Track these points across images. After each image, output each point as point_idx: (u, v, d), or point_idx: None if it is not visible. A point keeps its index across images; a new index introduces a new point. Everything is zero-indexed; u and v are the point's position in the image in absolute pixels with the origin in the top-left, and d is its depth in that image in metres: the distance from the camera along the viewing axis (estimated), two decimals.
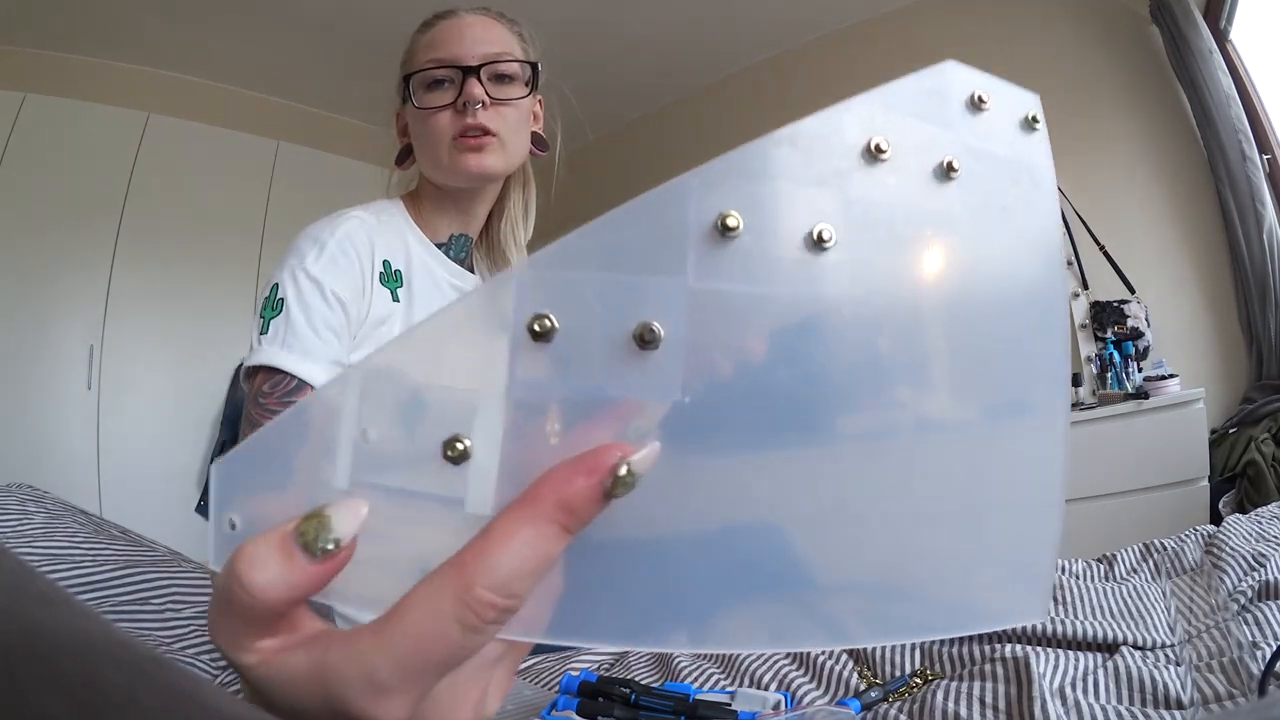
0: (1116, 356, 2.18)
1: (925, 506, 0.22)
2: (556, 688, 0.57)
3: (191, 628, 0.69)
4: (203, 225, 2.68)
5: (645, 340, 0.18)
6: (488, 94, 0.76)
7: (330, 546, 0.18)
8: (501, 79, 0.78)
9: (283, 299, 0.70)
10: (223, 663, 0.67)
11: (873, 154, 0.21)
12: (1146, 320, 2.24)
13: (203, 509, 2.57)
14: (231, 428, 2.60)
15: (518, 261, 0.81)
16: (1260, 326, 2.10)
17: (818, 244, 0.20)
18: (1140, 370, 2.17)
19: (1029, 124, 0.26)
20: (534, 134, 0.86)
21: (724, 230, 0.19)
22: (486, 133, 0.76)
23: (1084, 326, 2.32)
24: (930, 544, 0.22)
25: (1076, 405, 2.15)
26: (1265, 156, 2.14)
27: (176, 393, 2.58)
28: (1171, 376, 2.00)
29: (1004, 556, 0.22)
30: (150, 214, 2.55)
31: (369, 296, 0.74)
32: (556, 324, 0.18)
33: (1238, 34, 2.27)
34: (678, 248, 0.19)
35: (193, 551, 1.02)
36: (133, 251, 2.51)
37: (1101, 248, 2.36)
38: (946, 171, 0.22)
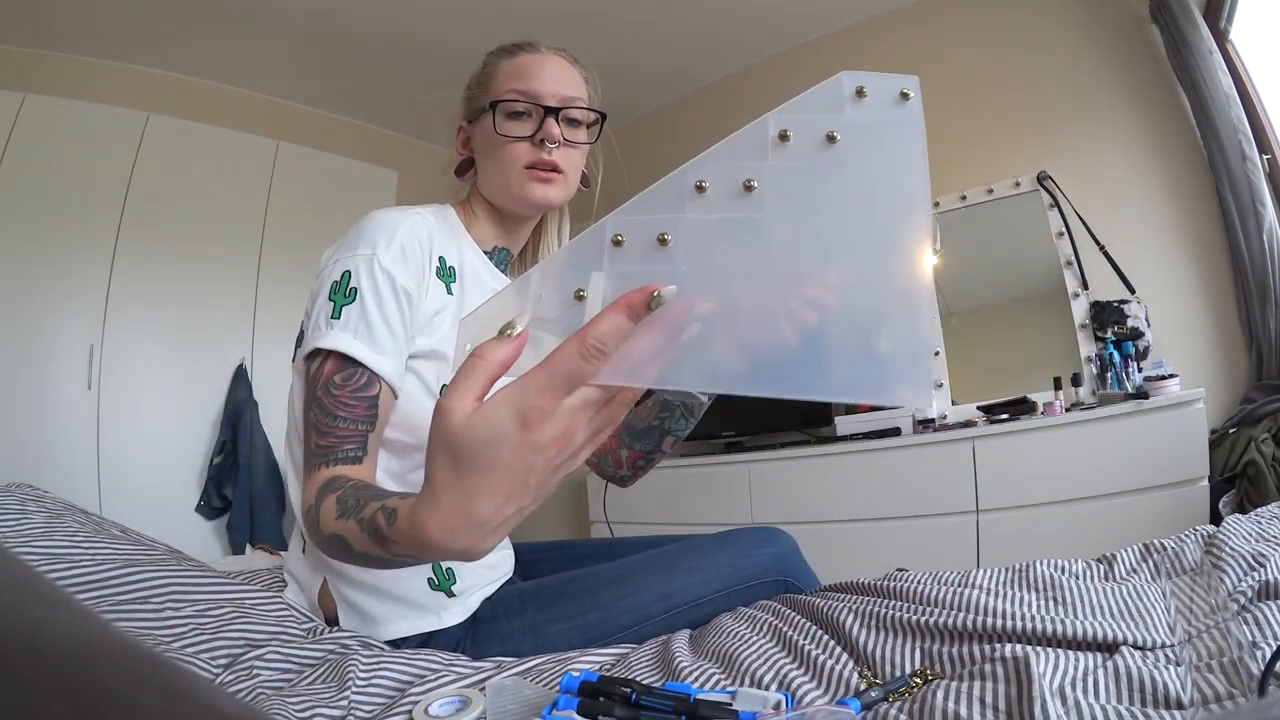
0: (1116, 356, 2.18)
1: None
2: (557, 687, 0.57)
3: (191, 626, 0.69)
4: (203, 225, 2.68)
5: (663, 241, 0.39)
6: (563, 135, 0.84)
7: (513, 332, 0.38)
8: (574, 122, 0.86)
9: (356, 288, 0.72)
10: (223, 660, 0.67)
11: (782, 139, 0.39)
12: (1146, 320, 2.24)
13: (202, 508, 2.57)
14: (231, 428, 2.60)
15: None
16: (1260, 326, 2.10)
17: (748, 191, 0.39)
18: (1140, 370, 2.17)
19: (902, 99, 0.40)
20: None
21: (699, 189, 0.39)
22: (555, 169, 0.84)
23: (1084, 326, 2.32)
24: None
25: (1076, 405, 2.15)
26: (1265, 156, 2.14)
27: (176, 393, 2.58)
28: (1171, 376, 2.00)
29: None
30: (150, 214, 2.55)
31: (428, 287, 0.79)
32: (623, 238, 0.39)
33: (1238, 34, 2.27)
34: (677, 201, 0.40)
35: (192, 550, 1.02)
36: (133, 251, 2.51)
37: (1101, 248, 2.36)
38: (829, 139, 0.39)
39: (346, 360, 0.71)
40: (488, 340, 0.38)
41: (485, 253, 0.89)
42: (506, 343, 0.38)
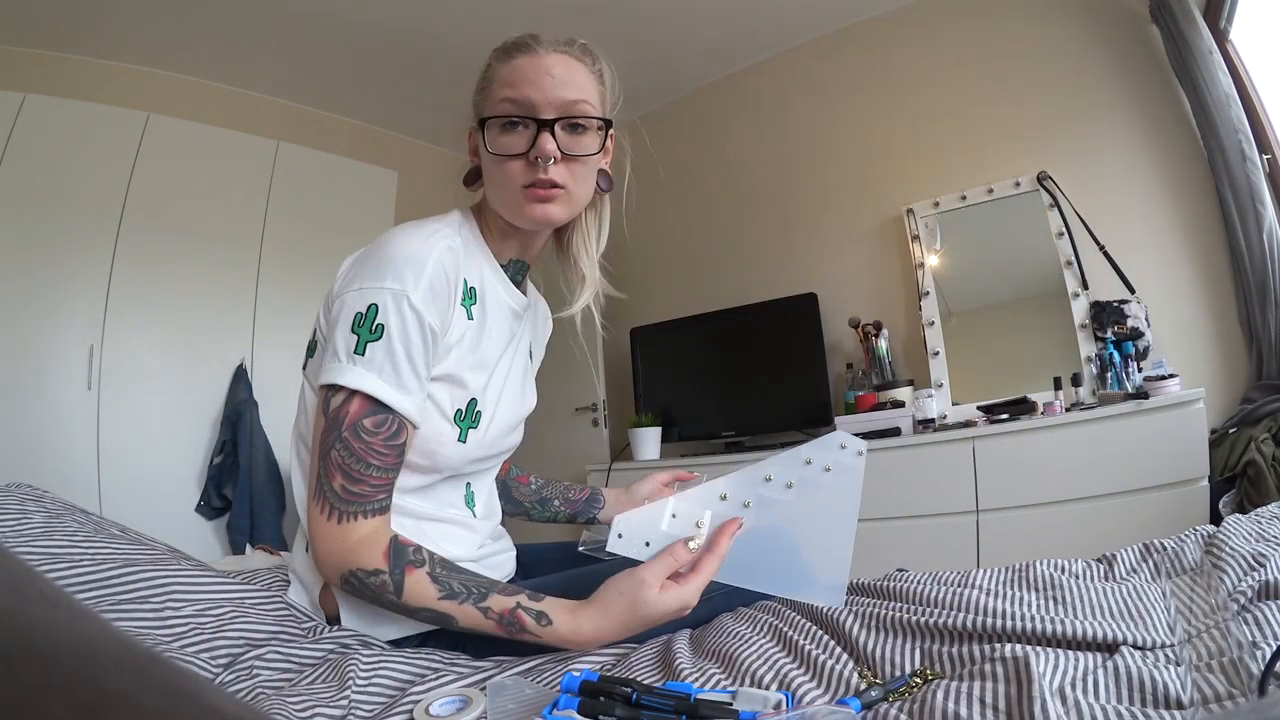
0: (1116, 356, 2.18)
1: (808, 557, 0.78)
2: (558, 687, 0.57)
3: (190, 625, 0.69)
4: (203, 225, 2.68)
5: (745, 504, 0.75)
6: (560, 149, 0.77)
7: (694, 545, 0.72)
8: (575, 128, 0.78)
9: (383, 325, 0.69)
10: (223, 660, 0.67)
11: (808, 463, 0.76)
12: (1146, 320, 2.24)
13: (202, 508, 2.57)
14: (231, 428, 2.60)
15: (589, 274, 0.89)
16: (1260, 326, 2.10)
17: (789, 487, 0.76)
18: (1140, 370, 2.16)
19: (859, 454, 0.78)
20: (600, 170, 0.85)
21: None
22: (555, 185, 0.77)
23: (1084, 326, 2.32)
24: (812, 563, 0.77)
25: (1076, 405, 2.15)
26: (1265, 156, 2.14)
27: (176, 393, 2.58)
28: (1171, 376, 2.00)
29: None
30: (150, 214, 2.55)
31: (453, 320, 0.77)
32: (726, 496, 0.75)
33: (1238, 34, 2.27)
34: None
35: (192, 550, 1.02)
36: (133, 251, 2.51)
37: (1101, 248, 2.36)
38: (826, 469, 0.76)
39: (375, 403, 0.69)
40: (679, 545, 0.71)
41: (502, 265, 0.87)
42: (687, 552, 0.71)
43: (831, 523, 0.76)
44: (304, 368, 0.81)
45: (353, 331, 0.70)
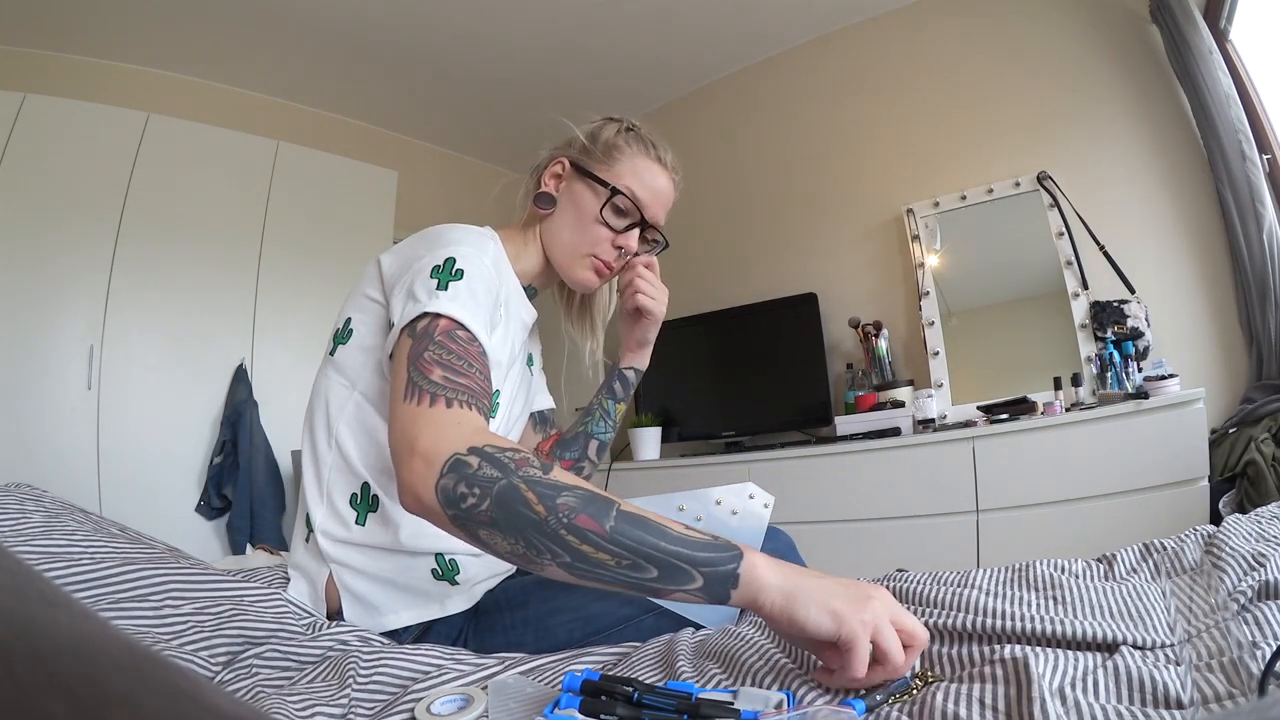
0: (1116, 356, 2.18)
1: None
2: (559, 686, 0.57)
3: (190, 624, 0.69)
4: (203, 225, 2.68)
5: (679, 508, 0.89)
6: (636, 250, 0.94)
7: None
8: (645, 239, 0.97)
9: (462, 270, 0.73)
10: (222, 658, 0.67)
11: (718, 503, 0.88)
12: (1146, 320, 2.24)
13: (202, 508, 2.57)
14: (231, 428, 2.60)
15: (598, 336, 1.06)
16: (1260, 326, 2.10)
17: (698, 520, 0.86)
18: (1140, 370, 2.16)
19: (765, 506, 0.89)
20: None
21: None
22: (611, 268, 0.93)
23: (1084, 326, 2.32)
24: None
25: (1076, 405, 2.15)
26: (1265, 156, 2.14)
27: (176, 393, 2.58)
28: (1171, 376, 2.00)
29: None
30: (150, 214, 2.55)
31: (495, 303, 0.80)
32: (684, 507, 0.88)
33: (1238, 34, 2.27)
34: None
35: (192, 550, 1.02)
36: (133, 251, 2.51)
37: (1101, 248, 2.36)
38: (733, 512, 0.88)
39: (459, 324, 0.69)
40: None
41: (523, 287, 0.93)
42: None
43: None
44: (331, 353, 0.84)
45: (432, 277, 0.72)
